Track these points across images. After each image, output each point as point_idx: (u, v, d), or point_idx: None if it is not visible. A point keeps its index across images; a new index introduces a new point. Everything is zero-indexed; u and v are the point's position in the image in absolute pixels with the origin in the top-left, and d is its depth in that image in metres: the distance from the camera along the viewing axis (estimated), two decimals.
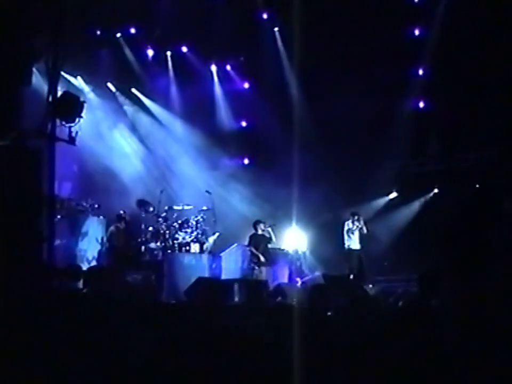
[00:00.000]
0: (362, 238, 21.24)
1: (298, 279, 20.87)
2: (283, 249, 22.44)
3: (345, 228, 21.20)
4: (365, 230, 21.14)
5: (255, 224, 20.43)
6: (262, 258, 20.04)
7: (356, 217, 21.17)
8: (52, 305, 8.97)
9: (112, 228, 19.49)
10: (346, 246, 21.18)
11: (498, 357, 7.42)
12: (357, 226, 21.08)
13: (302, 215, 23.05)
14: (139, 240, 19.99)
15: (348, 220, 21.26)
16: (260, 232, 20.28)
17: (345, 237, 21.17)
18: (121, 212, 19.85)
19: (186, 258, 19.56)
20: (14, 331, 7.99)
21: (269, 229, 20.52)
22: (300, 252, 22.31)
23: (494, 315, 8.14)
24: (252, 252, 20.00)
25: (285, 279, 20.92)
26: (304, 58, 22.22)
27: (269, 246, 20.52)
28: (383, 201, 24.31)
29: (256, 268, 19.75)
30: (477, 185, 22.66)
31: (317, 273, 20.69)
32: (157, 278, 18.14)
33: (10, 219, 12.65)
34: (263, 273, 19.75)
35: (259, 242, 20.16)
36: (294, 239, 23.14)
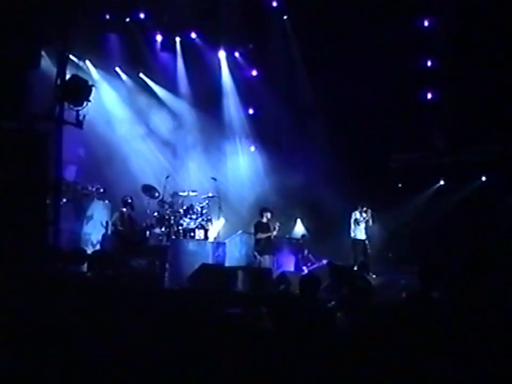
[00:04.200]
0: (368, 228, 21.14)
1: (304, 267, 20.90)
2: (290, 238, 22.45)
3: (352, 218, 21.07)
4: (371, 222, 21.03)
5: (262, 212, 20.19)
6: (275, 232, 19.90)
7: (364, 209, 21.04)
8: (56, 287, 9.02)
9: (117, 212, 19.48)
10: (352, 235, 21.06)
11: (495, 349, 7.46)
12: (364, 218, 20.96)
13: (309, 204, 23.06)
14: (144, 225, 20.03)
15: (356, 210, 21.14)
16: (265, 220, 20.11)
17: (352, 226, 21.02)
18: (127, 196, 19.82)
19: (190, 244, 19.57)
20: (19, 313, 8.04)
21: (276, 226, 20.28)
22: (306, 241, 22.31)
23: (492, 310, 8.17)
24: (256, 239, 19.91)
25: (291, 268, 20.94)
26: (313, 47, 22.20)
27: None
28: (389, 192, 24.22)
29: (259, 256, 19.68)
30: (483, 178, 22.75)
31: (323, 261, 20.71)
32: (161, 264, 18.18)
33: (16, 201, 12.72)
34: (267, 261, 19.69)
35: (264, 230, 20.04)
36: (300, 227, 23.15)
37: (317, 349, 7.88)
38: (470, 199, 22.14)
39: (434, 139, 23.62)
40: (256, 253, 19.70)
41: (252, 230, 20.17)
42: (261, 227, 19.93)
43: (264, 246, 19.79)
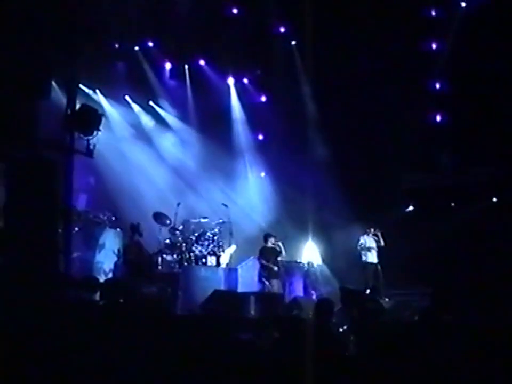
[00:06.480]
0: (380, 251, 21.12)
1: (313, 292, 20.84)
2: (299, 262, 22.41)
3: (359, 242, 21.11)
4: (382, 243, 21.05)
5: (266, 237, 20.32)
6: (276, 268, 19.93)
7: (373, 231, 21.09)
8: (69, 316, 9.02)
9: (126, 240, 19.47)
10: (363, 259, 21.09)
11: (505, 373, 7.44)
12: (375, 241, 20.97)
13: (318, 229, 23.03)
14: (155, 252, 20.00)
15: (364, 234, 21.17)
16: (269, 245, 20.15)
17: (362, 251, 21.07)
18: (134, 223, 19.73)
19: (202, 271, 19.62)
20: (31, 341, 8.05)
21: (279, 243, 20.37)
22: (315, 265, 22.27)
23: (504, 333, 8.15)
24: (262, 264, 19.87)
25: (300, 292, 20.88)
26: (321, 72, 22.27)
27: (279, 259, 20.35)
28: (399, 215, 24.16)
29: (266, 281, 19.63)
30: (494, 199, 22.68)
31: (332, 287, 20.65)
32: (173, 291, 18.16)
33: (27, 230, 12.75)
34: (275, 285, 19.65)
35: (269, 255, 20.03)
36: (310, 252, 23.11)
37: (330, 373, 7.86)
38: (481, 220, 22.06)
39: (444, 160, 23.61)
40: (263, 279, 19.67)
41: (258, 255, 20.18)
42: (266, 252, 19.94)
43: (270, 271, 19.78)
